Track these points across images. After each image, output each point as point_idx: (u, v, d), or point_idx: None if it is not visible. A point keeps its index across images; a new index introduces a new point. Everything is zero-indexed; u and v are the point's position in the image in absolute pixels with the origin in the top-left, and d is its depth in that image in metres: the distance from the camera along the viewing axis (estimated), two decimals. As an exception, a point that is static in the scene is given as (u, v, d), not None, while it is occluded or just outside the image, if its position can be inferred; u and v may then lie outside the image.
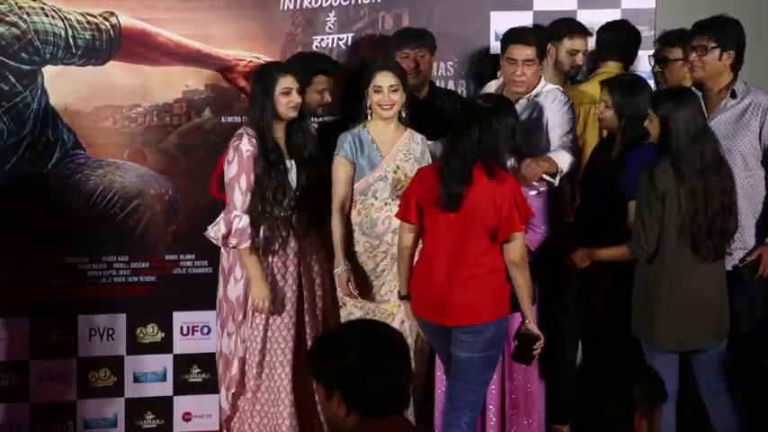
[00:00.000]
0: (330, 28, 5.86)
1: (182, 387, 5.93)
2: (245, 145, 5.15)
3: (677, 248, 4.90)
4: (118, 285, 5.80)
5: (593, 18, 5.88)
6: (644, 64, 5.93)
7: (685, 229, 4.88)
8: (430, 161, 5.38)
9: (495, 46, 5.89)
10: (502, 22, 5.91)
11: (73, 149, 5.73)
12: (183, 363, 5.92)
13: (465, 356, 4.87)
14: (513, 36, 5.49)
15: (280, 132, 5.24)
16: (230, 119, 5.79)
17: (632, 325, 5.04)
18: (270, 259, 5.29)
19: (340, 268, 5.37)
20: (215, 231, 5.20)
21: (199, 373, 5.94)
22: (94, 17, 5.64)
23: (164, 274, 5.84)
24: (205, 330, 5.89)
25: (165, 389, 5.92)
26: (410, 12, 5.91)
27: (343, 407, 3.00)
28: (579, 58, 5.91)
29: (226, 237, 5.17)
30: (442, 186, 4.78)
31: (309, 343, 5.32)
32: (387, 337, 3.11)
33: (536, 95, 5.51)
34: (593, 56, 5.95)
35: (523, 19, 5.93)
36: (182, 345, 5.91)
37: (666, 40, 5.78)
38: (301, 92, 5.21)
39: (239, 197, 5.15)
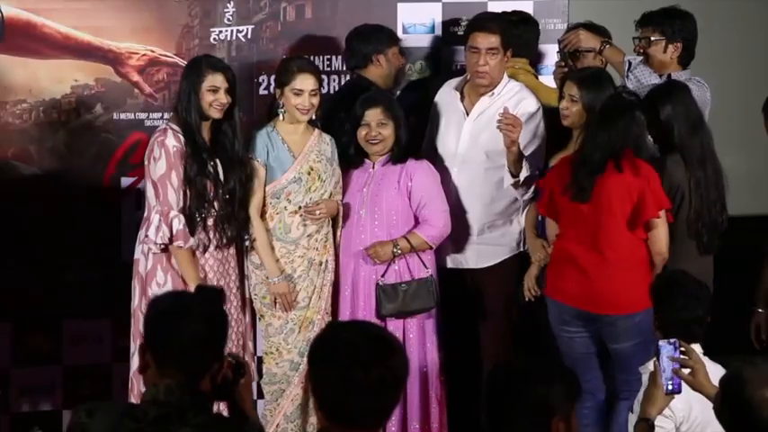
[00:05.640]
0: (229, 19, 5.71)
1: (72, 401, 5.60)
2: (171, 140, 4.91)
3: (681, 242, 4.96)
4: (2, 292, 5.55)
5: (505, 9, 5.77)
6: (552, 57, 5.83)
7: (692, 223, 4.98)
8: (337, 161, 5.25)
9: (404, 39, 5.79)
10: (409, 13, 5.84)
11: (-49, 148, 5.56)
12: (74, 375, 5.72)
13: (620, 347, 4.92)
14: (475, 23, 5.38)
15: (205, 131, 5.00)
16: (123, 115, 5.64)
17: None
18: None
19: (278, 278, 5.17)
20: (159, 236, 4.87)
21: (91, 385, 5.73)
22: (-27, 6, 5.51)
23: (53, 280, 5.61)
24: (96, 340, 5.71)
25: (55, 403, 5.73)
26: (313, 2, 5.78)
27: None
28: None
29: (170, 239, 4.90)
30: (573, 177, 4.87)
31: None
32: None
33: (498, 93, 5.35)
34: None
35: (432, 10, 5.86)
36: (72, 356, 5.71)
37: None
38: (231, 92, 4.95)
39: (173, 196, 4.89)
